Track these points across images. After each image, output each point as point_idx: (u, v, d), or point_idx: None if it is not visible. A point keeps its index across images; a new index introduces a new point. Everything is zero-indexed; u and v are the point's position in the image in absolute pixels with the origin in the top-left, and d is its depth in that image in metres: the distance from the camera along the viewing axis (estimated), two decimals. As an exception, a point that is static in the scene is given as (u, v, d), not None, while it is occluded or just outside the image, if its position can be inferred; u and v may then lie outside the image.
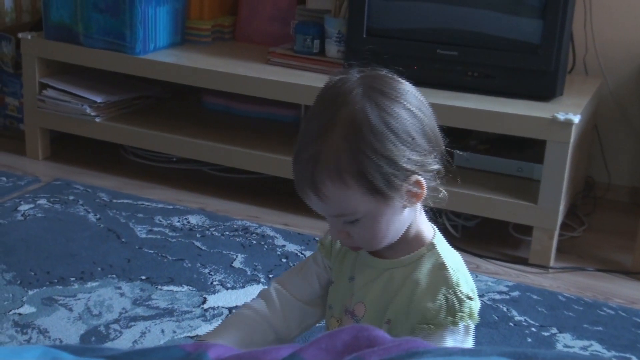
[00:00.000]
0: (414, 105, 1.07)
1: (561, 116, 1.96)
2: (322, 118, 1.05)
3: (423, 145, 1.06)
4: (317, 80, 2.24)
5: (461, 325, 1.08)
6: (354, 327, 0.74)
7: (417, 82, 2.22)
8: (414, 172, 1.06)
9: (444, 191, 1.11)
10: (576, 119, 1.95)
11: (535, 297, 1.89)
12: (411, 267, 1.13)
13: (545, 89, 2.11)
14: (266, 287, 1.30)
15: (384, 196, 1.05)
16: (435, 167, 1.09)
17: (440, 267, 1.11)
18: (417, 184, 1.07)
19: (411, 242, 1.14)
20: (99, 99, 2.48)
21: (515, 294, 1.89)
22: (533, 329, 1.75)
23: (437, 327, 1.08)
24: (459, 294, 1.08)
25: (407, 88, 1.09)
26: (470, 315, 1.09)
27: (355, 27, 2.24)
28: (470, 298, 1.09)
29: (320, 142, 1.04)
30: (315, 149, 1.04)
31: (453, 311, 1.08)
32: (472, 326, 1.11)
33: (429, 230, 1.17)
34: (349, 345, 0.70)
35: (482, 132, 2.24)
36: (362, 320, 1.15)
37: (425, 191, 1.08)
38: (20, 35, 2.54)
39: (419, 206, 1.13)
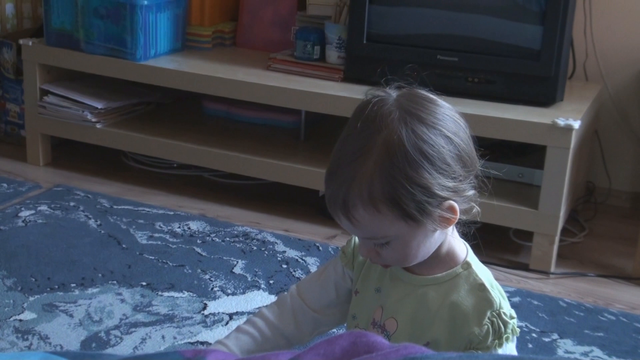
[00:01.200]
0: (451, 130, 1.05)
1: (561, 122, 1.96)
2: (357, 141, 1.04)
3: (458, 171, 1.05)
4: (317, 86, 2.25)
5: (505, 343, 1.09)
6: (352, 332, 0.74)
7: (418, 88, 2.23)
8: (448, 199, 1.04)
9: (477, 207, 1.10)
10: (576, 124, 1.96)
11: (536, 302, 1.88)
12: (447, 286, 1.11)
13: (545, 94, 2.11)
14: (284, 292, 1.30)
15: (416, 221, 1.04)
16: (470, 192, 1.07)
17: (480, 289, 1.10)
18: (451, 209, 1.05)
19: (444, 260, 1.13)
20: (99, 105, 2.49)
21: (516, 299, 1.89)
22: (534, 335, 1.74)
23: (484, 350, 1.08)
24: (503, 317, 1.08)
25: (445, 111, 1.07)
26: (513, 332, 1.09)
27: (356, 33, 2.24)
28: (512, 317, 1.09)
29: (355, 166, 1.02)
30: (349, 173, 1.03)
31: (499, 334, 1.08)
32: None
33: (461, 247, 1.15)
34: (347, 351, 0.70)
35: (482, 137, 2.24)
36: (393, 336, 1.14)
37: (458, 215, 1.06)
38: (21, 41, 2.54)
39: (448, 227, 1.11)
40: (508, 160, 2.22)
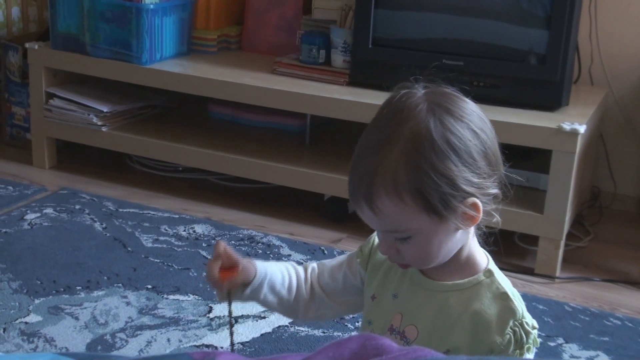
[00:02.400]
0: (477, 126, 1.05)
1: (567, 126, 1.96)
2: (383, 131, 1.04)
3: (483, 167, 1.04)
4: (323, 90, 2.25)
5: (526, 354, 1.08)
6: (361, 335, 0.74)
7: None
8: (472, 195, 1.03)
9: (497, 216, 1.08)
10: (582, 128, 1.95)
11: (541, 307, 1.88)
12: (468, 293, 1.10)
13: (550, 99, 2.12)
14: (308, 264, 1.29)
15: (439, 216, 1.03)
16: (494, 191, 1.06)
17: (503, 297, 1.09)
18: (474, 206, 1.04)
19: (464, 266, 1.11)
20: (105, 109, 2.49)
21: (522, 304, 1.89)
22: (539, 339, 1.74)
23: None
24: (526, 326, 1.07)
25: (472, 108, 1.07)
26: (534, 343, 1.09)
27: (361, 37, 2.25)
28: (534, 327, 1.09)
29: (380, 155, 1.02)
30: (375, 162, 1.02)
31: (521, 344, 1.07)
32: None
33: (481, 256, 1.13)
34: (356, 354, 0.70)
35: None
36: (413, 343, 1.13)
37: (481, 215, 1.05)
38: (27, 45, 2.55)
39: (472, 230, 1.10)
40: (513, 164, 2.22)
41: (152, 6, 2.40)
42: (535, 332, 1.09)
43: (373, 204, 1.03)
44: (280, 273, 1.22)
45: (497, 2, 2.13)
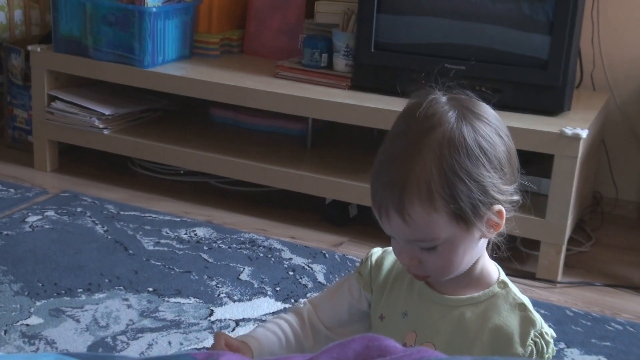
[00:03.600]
0: (503, 131, 1.05)
1: (569, 131, 1.96)
2: (413, 138, 1.02)
3: (509, 173, 1.04)
4: (324, 94, 2.25)
5: None
6: (365, 336, 0.74)
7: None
8: (498, 202, 1.03)
9: (514, 223, 1.08)
10: (584, 133, 1.95)
11: (542, 311, 1.88)
12: (484, 306, 1.09)
13: (553, 103, 2.12)
14: (299, 305, 1.26)
15: (467, 223, 1.01)
16: (516, 197, 1.06)
17: (521, 308, 1.08)
18: (499, 214, 1.03)
19: (478, 279, 1.10)
20: (107, 112, 2.49)
21: (523, 308, 1.89)
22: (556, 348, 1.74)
23: None
24: (546, 337, 1.07)
25: (494, 113, 1.07)
26: (553, 352, 1.08)
27: (363, 41, 2.25)
28: (553, 336, 1.08)
29: (413, 161, 1.00)
30: (407, 168, 1.00)
31: (542, 354, 1.06)
32: None
33: (493, 267, 1.12)
34: (360, 355, 0.70)
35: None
36: None
37: (504, 222, 1.04)
38: (29, 47, 2.56)
39: (485, 241, 1.09)
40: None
41: (154, 9, 2.40)
42: (553, 342, 1.08)
43: (404, 212, 1.00)
44: (276, 337, 1.17)
45: (500, 7, 2.13)
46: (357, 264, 1.26)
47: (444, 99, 1.05)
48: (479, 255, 1.09)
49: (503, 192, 1.03)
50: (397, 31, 2.24)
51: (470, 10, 2.16)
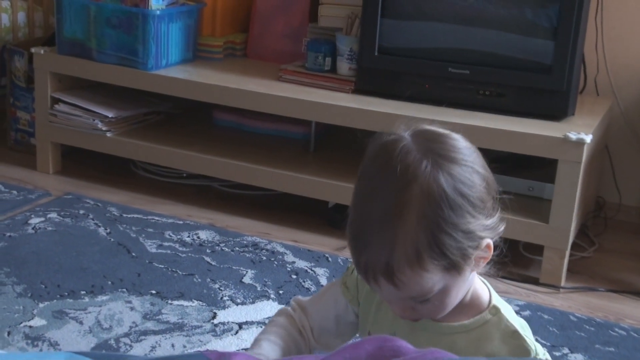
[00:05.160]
0: (477, 164, 1.00)
1: (573, 136, 1.96)
2: (389, 197, 0.96)
3: (490, 204, 1.00)
4: (328, 98, 2.25)
5: None
6: (377, 337, 0.74)
7: (429, 101, 2.24)
8: (486, 237, 1.00)
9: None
10: (588, 138, 1.95)
11: (546, 316, 1.88)
12: (476, 334, 1.06)
13: (556, 108, 2.12)
14: (289, 309, 1.23)
15: (458, 270, 0.98)
16: (502, 227, 1.02)
17: (514, 337, 1.05)
18: (487, 247, 1.01)
19: (469, 304, 1.08)
20: (110, 114, 2.49)
21: (526, 313, 1.88)
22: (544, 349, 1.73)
23: None
24: None
25: (464, 144, 1.02)
26: None
27: (367, 45, 2.25)
28: None
29: (394, 225, 0.95)
30: (389, 233, 0.95)
31: None
32: None
33: (482, 288, 1.10)
34: (372, 356, 0.69)
35: (491, 150, 2.24)
36: None
37: (492, 251, 1.02)
38: (33, 49, 2.56)
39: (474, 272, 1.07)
40: (518, 173, 2.22)
41: (158, 12, 2.40)
42: None
43: (395, 278, 0.96)
44: (282, 350, 1.15)
45: (504, 12, 2.13)
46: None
47: (413, 144, 0.99)
48: (471, 284, 1.06)
49: (489, 227, 1.00)
50: (400, 35, 2.24)
51: (474, 15, 2.16)
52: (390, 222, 0.95)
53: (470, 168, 0.99)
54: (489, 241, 1.01)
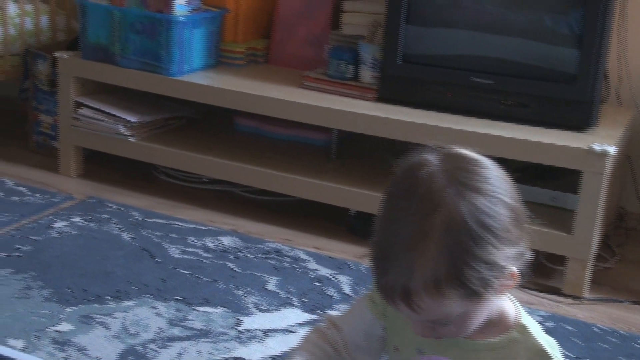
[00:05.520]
0: (505, 194, 0.99)
1: (597, 147, 1.96)
2: (412, 223, 0.96)
3: (516, 234, 0.99)
4: (350, 105, 2.26)
5: None
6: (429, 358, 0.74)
7: (451, 109, 2.24)
8: (510, 267, 0.99)
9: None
10: (612, 150, 1.96)
11: (570, 328, 1.88)
12: (503, 353, 1.06)
13: (580, 119, 2.12)
14: (322, 325, 1.24)
15: (479, 297, 0.98)
16: (528, 255, 1.01)
17: (542, 356, 1.05)
18: (512, 276, 1.00)
19: (496, 322, 1.07)
20: (133, 119, 2.51)
21: (550, 324, 1.88)
22: (568, 360, 1.74)
23: None
24: None
25: (494, 173, 1.01)
26: None
27: (390, 53, 2.26)
28: None
29: (415, 253, 0.95)
30: (409, 260, 0.95)
31: None
32: None
33: (510, 306, 1.09)
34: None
35: (513, 160, 2.24)
36: None
37: (517, 279, 1.01)
38: (57, 54, 2.57)
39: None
40: (541, 183, 2.22)
41: (182, 18, 2.41)
42: None
43: (412, 303, 0.97)
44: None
45: (528, 20, 2.14)
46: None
47: (439, 170, 0.98)
48: (495, 306, 1.05)
49: (515, 256, 0.99)
50: (424, 43, 2.24)
51: (498, 23, 2.16)
52: (411, 249, 0.96)
53: (495, 199, 0.98)
54: (513, 270, 1.00)
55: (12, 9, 2.77)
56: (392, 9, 2.23)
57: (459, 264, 0.94)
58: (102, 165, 2.71)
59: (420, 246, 0.95)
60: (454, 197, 0.96)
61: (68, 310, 1.78)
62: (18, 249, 2.06)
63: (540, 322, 1.88)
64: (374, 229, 1.02)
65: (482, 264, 0.95)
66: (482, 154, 1.06)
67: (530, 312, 1.91)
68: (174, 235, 2.21)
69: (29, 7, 2.84)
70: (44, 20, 2.89)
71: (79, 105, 2.57)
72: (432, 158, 1.01)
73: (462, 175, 0.98)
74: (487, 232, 0.95)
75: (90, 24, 2.52)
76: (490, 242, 0.95)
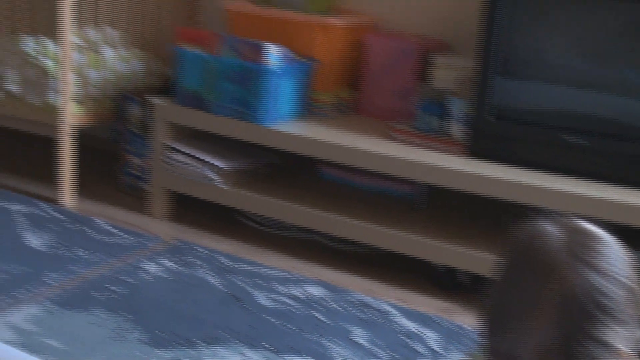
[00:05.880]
0: (626, 275, 0.99)
1: (696, 212, 1.92)
2: (525, 292, 0.98)
3: (631, 314, 0.98)
4: (438, 159, 2.27)
5: None
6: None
7: (544, 167, 2.21)
8: (625, 349, 0.98)
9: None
10: None
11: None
12: None
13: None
14: None
15: None
16: None
17: None
18: (622, 354, 0.98)
19: None
20: (224, 166, 2.56)
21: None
22: None
23: None
24: None
25: (615, 252, 1.00)
26: None
27: (480, 108, 2.26)
28: None
29: (526, 322, 0.97)
30: (522, 330, 0.97)
31: None
32: None
33: None
34: None
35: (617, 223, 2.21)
36: None
37: (629, 359, 1.00)
38: (153, 100, 2.66)
39: None
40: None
41: (275, 68, 2.47)
42: None
43: None
44: None
45: (631, 77, 2.11)
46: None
47: (557, 243, 0.99)
48: None
49: (630, 339, 0.98)
50: (516, 100, 2.24)
51: (598, 80, 2.14)
52: (523, 320, 0.97)
53: (614, 279, 0.97)
54: (624, 349, 0.98)
55: (108, 54, 2.88)
56: (484, 65, 2.24)
57: (570, 341, 0.95)
58: (186, 207, 2.77)
59: (531, 317, 0.96)
60: (572, 274, 0.96)
61: (159, 352, 1.81)
62: (110, 289, 2.11)
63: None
64: (492, 290, 1.03)
65: (594, 343, 0.95)
66: (581, 216, 1.05)
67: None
68: (259, 281, 2.24)
69: (124, 52, 2.95)
70: (138, 65, 2.99)
71: (170, 149, 2.64)
72: (554, 230, 1.02)
73: (582, 252, 0.99)
74: (601, 311, 0.96)
75: (186, 72, 2.60)
76: (604, 321, 0.96)
